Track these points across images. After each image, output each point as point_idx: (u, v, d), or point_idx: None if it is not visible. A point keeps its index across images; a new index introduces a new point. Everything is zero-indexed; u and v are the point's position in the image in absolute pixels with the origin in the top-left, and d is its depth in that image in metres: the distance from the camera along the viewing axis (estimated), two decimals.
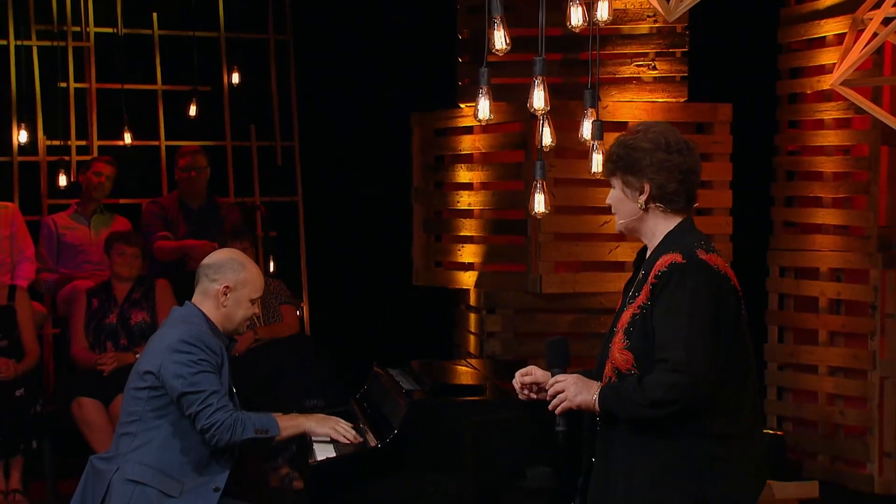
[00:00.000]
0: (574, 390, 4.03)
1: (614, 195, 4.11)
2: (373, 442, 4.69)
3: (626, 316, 4.01)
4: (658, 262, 3.94)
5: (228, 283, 4.95)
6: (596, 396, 3.97)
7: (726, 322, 3.88)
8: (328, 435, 4.86)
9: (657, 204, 4.03)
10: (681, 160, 4.00)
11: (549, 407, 4.10)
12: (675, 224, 4.04)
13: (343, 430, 4.85)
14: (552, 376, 4.12)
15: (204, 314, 4.96)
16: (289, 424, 4.90)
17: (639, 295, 3.98)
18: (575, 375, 4.09)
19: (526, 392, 4.30)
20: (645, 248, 4.14)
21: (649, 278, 3.95)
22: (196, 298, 5.01)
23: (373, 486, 4.41)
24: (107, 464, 4.87)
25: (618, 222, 4.14)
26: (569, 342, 4.23)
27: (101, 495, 4.80)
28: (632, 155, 4.02)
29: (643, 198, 4.02)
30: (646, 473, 3.90)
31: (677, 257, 3.90)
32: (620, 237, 8.12)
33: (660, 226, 4.05)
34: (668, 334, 3.85)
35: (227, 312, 4.97)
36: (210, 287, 4.97)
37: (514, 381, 4.33)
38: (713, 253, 3.94)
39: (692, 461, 3.87)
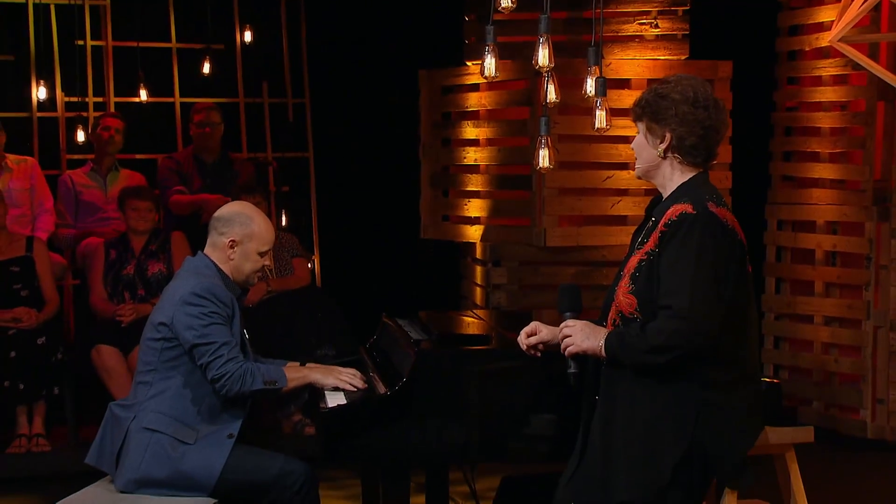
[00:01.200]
0: (582, 336, 4.09)
1: (638, 140, 4.15)
2: (382, 389, 4.68)
3: (633, 261, 4.06)
4: (669, 212, 3.98)
5: (235, 238, 4.99)
6: (602, 343, 4.03)
7: (730, 275, 3.93)
8: (334, 385, 4.89)
9: (675, 154, 4.06)
10: (705, 116, 4.03)
11: (561, 350, 4.17)
12: (691, 176, 4.08)
13: (348, 378, 4.90)
14: (564, 320, 4.18)
15: (215, 264, 5.00)
16: (296, 376, 4.93)
17: (647, 242, 4.03)
18: (584, 322, 4.13)
19: (532, 351, 4.35)
20: (658, 197, 4.17)
21: (659, 226, 3.99)
22: (207, 249, 5.06)
23: (382, 432, 4.41)
24: (125, 411, 4.92)
25: (637, 166, 4.18)
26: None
27: (119, 442, 4.86)
28: (659, 103, 4.06)
29: (663, 146, 4.06)
30: (645, 416, 3.96)
31: (688, 208, 3.94)
32: (623, 192, 8.25)
33: (675, 176, 4.09)
34: (673, 282, 3.90)
35: (235, 265, 5.00)
36: (218, 240, 5.02)
37: (519, 339, 4.37)
38: (723, 207, 3.98)
39: (690, 406, 3.93)
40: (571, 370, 4.18)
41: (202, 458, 4.79)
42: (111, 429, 4.95)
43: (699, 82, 4.12)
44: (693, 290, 3.86)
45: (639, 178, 4.24)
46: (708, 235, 3.90)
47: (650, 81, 8.07)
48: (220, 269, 5.01)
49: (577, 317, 4.20)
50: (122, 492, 4.82)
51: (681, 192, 4.04)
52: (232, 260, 5.01)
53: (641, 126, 4.12)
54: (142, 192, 7.94)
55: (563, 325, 4.17)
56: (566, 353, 4.15)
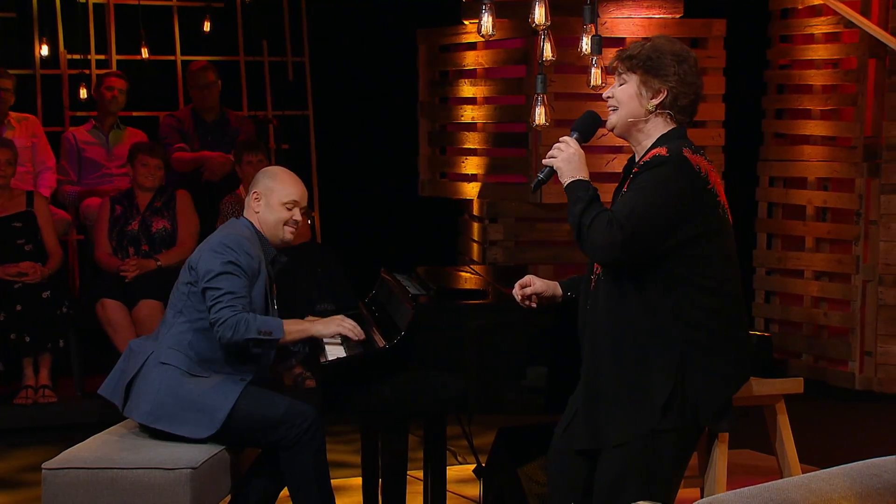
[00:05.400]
0: (564, 158, 4.05)
1: (625, 90, 4.06)
2: (381, 343, 4.68)
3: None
4: (645, 156, 3.99)
5: (258, 190, 5.09)
6: (570, 181, 4.03)
7: (689, 216, 3.90)
8: (336, 333, 4.92)
9: (666, 111, 4.04)
10: (696, 79, 4.05)
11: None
12: (670, 129, 4.06)
13: (349, 325, 4.92)
14: (570, 136, 4.13)
15: (253, 225, 5.10)
16: (295, 329, 4.97)
17: (625, 190, 4.02)
18: (578, 151, 4.07)
19: (527, 303, 4.38)
20: (632, 158, 4.15)
21: (633, 169, 4.02)
22: (245, 213, 5.16)
23: (381, 385, 4.43)
24: (144, 346, 5.03)
25: (615, 116, 4.10)
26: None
27: (132, 373, 4.93)
28: (661, 59, 4.02)
29: (655, 102, 4.02)
30: (631, 358, 3.95)
31: (662, 151, 3.94)
32: (617, 149, 8.27)
33: (658, 130, 4.06)
34: (626, 199, 3.93)
35: (262, 217, 5.07)
36: (248, 200, 5.14)
37: (514, 291, 4.39)
38: (700, 156, 3.97)
39: (675, 348, 3.92)
40: (539, 176, 4.14)
41: (216, 390, 4.86)
42: (128, 361, 5.03)
43: (682, 44, 4.13)
44: (637, 209, 3.87)
45: (611, 129, 4.14)
46: (673, 174, 3.90)
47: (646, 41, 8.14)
48: (257, 231, 5.11)
49: (581, 142, 4.12)
50: (137, 423, 4.91)
51: (659, 142, 4.04)
52: (257, 212, 5.10)
53: (633, 77, 4.06)
54: (153, 149, 7.98)
55: (564, 137, 4.12)
56: (543, 161, 4.13)
